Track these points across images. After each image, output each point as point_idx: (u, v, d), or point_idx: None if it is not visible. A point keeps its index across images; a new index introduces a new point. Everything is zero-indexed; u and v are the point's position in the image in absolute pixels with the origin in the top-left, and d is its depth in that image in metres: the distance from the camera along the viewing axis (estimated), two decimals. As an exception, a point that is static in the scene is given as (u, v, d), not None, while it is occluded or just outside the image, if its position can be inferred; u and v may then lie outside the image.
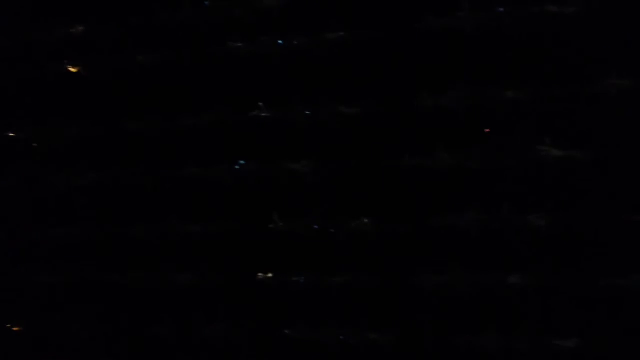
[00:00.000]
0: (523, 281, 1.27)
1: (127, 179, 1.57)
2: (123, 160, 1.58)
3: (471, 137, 1.30)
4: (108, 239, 1.59)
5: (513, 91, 1.25)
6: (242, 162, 1.46)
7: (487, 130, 1.29)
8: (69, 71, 1.62)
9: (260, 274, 1.46)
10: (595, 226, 1.24)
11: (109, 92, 1.59)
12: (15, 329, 1.68)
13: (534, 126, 1.26)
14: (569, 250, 1.26)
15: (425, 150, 1.32)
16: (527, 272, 1.27)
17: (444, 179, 1.32)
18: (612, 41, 1.21)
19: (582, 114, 1.23)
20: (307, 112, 1.41)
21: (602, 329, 1.24)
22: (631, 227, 1.21)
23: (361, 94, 1.38)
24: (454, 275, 1.32)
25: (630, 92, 1.19)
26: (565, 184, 1.25)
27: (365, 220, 1.37)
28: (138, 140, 1.56)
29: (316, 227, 1.41)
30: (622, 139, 1.21)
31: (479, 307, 1.31)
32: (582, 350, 1.24)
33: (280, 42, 1.43)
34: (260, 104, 1.43)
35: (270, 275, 1.45)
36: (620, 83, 1.19)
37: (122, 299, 1.59)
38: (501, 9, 1.26)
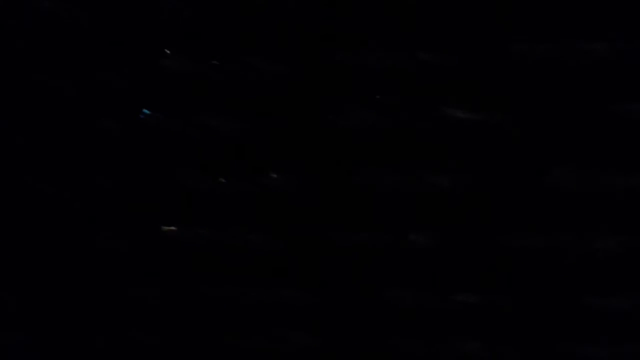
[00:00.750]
0: (427, 240, 1.31)
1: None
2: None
3: (381, 97, 1.31)
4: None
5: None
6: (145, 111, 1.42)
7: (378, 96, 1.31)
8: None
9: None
10: (499, 187, 1.28)
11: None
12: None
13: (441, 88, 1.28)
14: (471, 210, 1.30)
15: (336, 109, 1.32)
16: (431, 230, 1.31)
17: (353, 138, 1.33)
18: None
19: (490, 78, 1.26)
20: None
21: (504, 286, 1.30)
22: (532, 189, 1.27)
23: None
24: (362, 233, 1.34)
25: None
26: (468, 146, 1.28)
27: (274, 176, 1.37)
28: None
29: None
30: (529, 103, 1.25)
31: (384, 264, 1.34)
32: (484, 305, 1.29)
33: None
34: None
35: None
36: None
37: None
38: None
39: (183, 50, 1.40)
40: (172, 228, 1.44)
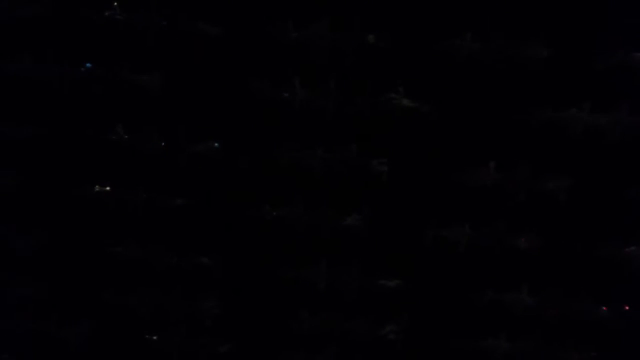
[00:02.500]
0: (357, 222, 1.33)
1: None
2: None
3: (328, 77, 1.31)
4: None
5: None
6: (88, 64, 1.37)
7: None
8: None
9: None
10: (426, 176, 1.32)
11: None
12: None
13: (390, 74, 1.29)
14: (402, 195, 1.33)
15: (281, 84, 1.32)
16: (362, 213, 1.33)
17: (296, 114, 1.33)
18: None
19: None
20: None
21: (424, 271, 1.35)
22: (457, 181, 1.30)
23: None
24: (290, 210, 1.34)
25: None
26: (410, 134, 1.30)
27: (215, 145, 1.35)
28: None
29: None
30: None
31: (310, 245, 1.35)
32: (404, 289, 1.34)
33: None
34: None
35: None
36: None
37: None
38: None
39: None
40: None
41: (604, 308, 1.34)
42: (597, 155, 1.27)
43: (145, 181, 1.38)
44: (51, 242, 1.43)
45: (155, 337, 1.45)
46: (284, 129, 1.32)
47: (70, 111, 1.36)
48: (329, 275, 1.36)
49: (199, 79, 1.33)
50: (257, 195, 1.35)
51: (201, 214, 1.38)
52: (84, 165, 1.38)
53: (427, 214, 1.32)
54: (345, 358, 1.41)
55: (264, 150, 1.34)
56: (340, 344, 1.42)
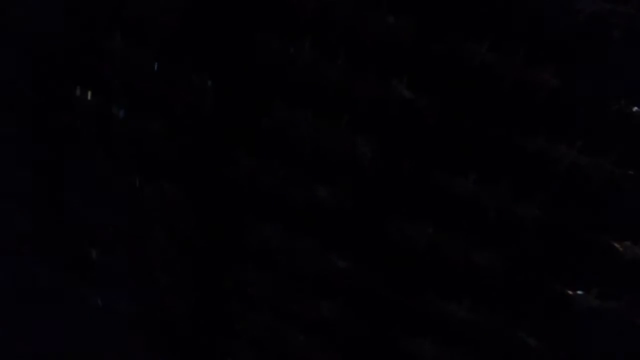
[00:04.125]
0: (327, 195, 1.33)
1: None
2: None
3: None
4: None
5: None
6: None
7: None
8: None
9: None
10: (406, 169, 1.32)
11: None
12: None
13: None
14: (377, 180, 1.33)
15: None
16: (334, 187, 1.33)
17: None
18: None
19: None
20: None
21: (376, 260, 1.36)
22: (434, 182, 1.31)
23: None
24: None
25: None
26: (401, 124, 1.30)
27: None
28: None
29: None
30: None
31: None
32: (351, 272, 1.36)
33: None
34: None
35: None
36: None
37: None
38: None
39: None
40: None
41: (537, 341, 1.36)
42: (573, 195, 1.28)
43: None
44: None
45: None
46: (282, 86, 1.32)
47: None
48: (283, 241, 1.37)
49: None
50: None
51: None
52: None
53: (396, 204, 1.32)
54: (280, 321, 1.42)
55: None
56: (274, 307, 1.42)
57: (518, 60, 1.19)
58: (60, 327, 1.65)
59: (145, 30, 1.34)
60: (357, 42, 1.25)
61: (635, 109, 1.21)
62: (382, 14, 1.24)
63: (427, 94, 1.24)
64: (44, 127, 1.48)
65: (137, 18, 1.34)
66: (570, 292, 1.33)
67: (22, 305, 1.69)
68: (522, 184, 1.29)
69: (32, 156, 1.51)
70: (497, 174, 1.30)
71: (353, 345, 1.44)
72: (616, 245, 1.27)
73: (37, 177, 1.53)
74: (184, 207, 1.43)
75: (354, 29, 1.25)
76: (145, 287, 1.55)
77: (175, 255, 1.49)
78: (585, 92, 1.19)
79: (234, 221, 1.41)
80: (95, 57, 1.38)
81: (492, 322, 1.36)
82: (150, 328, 1.58)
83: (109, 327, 1.58)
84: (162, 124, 1.37)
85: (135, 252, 1.53)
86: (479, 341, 1.38)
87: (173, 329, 1.54)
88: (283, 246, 1.37)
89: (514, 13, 1.17)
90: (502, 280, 1.33)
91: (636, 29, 1.11)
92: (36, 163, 1.53)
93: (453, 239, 1.32)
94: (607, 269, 1.30)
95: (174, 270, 1.50)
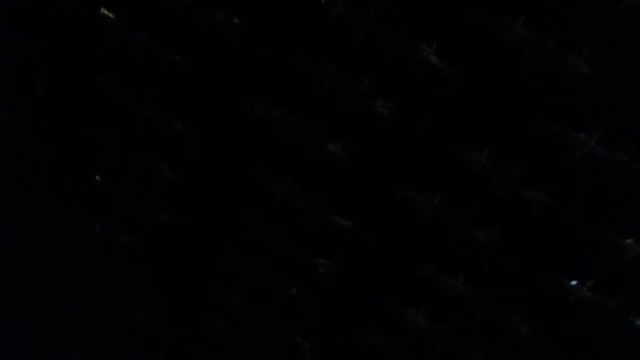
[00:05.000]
0: (338, 151, 1.32)
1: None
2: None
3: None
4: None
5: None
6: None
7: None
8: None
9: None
10: (421, 135, 1.31)
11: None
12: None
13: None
14: (391, 143, 1.32)
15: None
16: (346, 145, 1.32)
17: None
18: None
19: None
20: None
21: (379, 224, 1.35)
22: (447, 153, 1.30)
23: None
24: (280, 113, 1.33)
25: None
26: (424, 90, 1.28)
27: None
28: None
29: None
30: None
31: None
32: (352, 232, 1.36)
33: None
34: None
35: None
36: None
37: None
38: None
39: None
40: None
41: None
42: (583, 185, 1.28)
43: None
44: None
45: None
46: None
47: None
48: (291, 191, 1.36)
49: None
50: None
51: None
52: None
53: (406, 171, 1.31)
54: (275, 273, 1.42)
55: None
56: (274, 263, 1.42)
57: (550, 41, 1.17)
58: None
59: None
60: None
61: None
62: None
63: (455, 63, 1.23)
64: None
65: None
66: (565, 281, 1.33)
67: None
68: (535, 167, 1.28)
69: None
70: (511, 154, 1.29)
71: (345, 307, 1.44)
72: (619, 241, 1.27)
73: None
74: (192, 145, 1.42)
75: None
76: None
77: (183, 197, 1.48)
78: (614, 82, 1.18)
79: (242, 171, 1.40)
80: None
81: (486, 301, 1.36)
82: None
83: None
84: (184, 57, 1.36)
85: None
86: (470, 319, 1.38)
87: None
88: (289, 199, 1.36)
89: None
90: (500, 260, 1.32)
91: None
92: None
93: (457, 212, 1.32)
94: (606, 263, 1.29)
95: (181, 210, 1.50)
